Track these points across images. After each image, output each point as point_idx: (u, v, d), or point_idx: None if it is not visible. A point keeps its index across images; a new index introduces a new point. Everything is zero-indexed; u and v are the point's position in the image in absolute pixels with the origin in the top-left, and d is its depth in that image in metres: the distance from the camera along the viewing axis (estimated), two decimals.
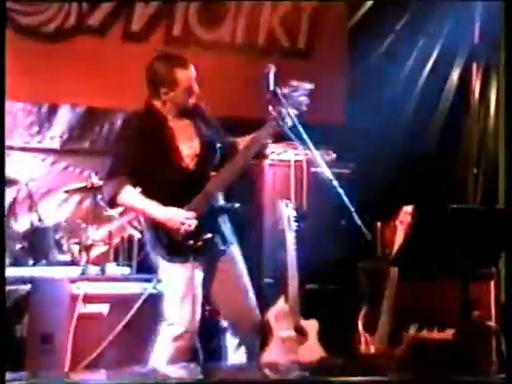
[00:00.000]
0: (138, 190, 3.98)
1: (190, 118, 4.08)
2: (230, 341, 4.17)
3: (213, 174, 4.00)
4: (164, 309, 4.09)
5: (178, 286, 3.99)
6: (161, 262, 4.04)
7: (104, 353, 4.53)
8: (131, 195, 3.97)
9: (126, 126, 4.18)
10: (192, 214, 3.89)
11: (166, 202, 3.93)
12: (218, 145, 4.08)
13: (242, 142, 4.15)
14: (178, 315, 3.98)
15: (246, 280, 4.12)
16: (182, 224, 3.87)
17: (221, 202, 4.07)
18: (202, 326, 4.47)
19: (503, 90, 4.01)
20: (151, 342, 4.11)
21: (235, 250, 4.14)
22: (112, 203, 4.03)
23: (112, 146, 4.18)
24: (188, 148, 4.03)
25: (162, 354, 4.00)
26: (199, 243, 3.93)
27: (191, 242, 3.92)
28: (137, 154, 3.98)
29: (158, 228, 3.96)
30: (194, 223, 3.88)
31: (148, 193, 3.96)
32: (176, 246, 3.94)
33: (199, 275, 4.01)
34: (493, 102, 6.26)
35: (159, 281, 4.31)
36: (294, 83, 3.95)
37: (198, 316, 4.04)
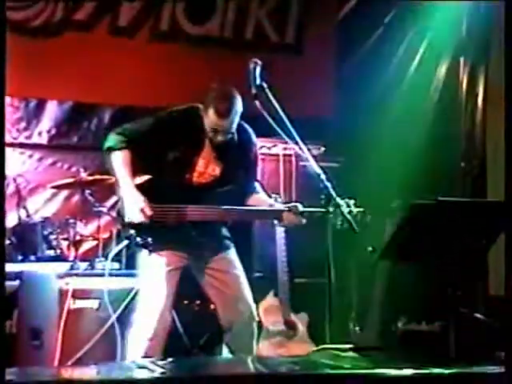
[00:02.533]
0: (129, 158, 3.93)
1: (223, 148, 4.00)
2: (227, 339, 4.16)
3: (209, 206, 3.98)
4: (139, 305, 4.08)
5: (153, 281, 3.98)
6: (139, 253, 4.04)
7: (94, 348, 4.52)
8: (122, 159, 3.92)
9: (168, 112, 4.09)
10: (149, 211, 3.84)
11: (151, 194, 3.90)
12: (239, 186, 4.05)
13: (259, 200, 4.12)
14: (150, 314, 3.95)
15: (244, 281, 4.11)
16: (141, 211, 3.84)
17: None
18: (196, 322, 4.47)
19: (504, 87, 4.05)
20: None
21: (233, 253, 4.13)
22: (107, 154, 3.96)
23: (143, 117, 4.10)
24: (204, 167, 4.01)
25: (133, 352, 3.98)
26: (140, 240, 3.90)
27: (132, 232, 3.90)
28: (158, 138, 3.94)
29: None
30: (149, 214, 3.85)
31: (141, 175, 3.95)
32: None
33: (177, 274, 3.99)
34: (480, 97, 6.28)
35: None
36: None
37: (170, 318, 4.02)
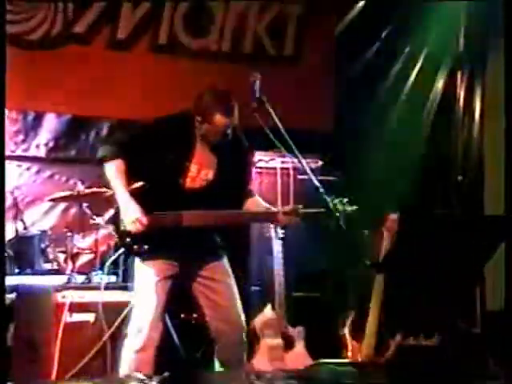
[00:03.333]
0: (122, 166, 3.94)
1: (216, 151, 4.02)
2: (217, 350, 4.15)
3: (203, 210, 3.98)
4: (131, 315, 4.08)
5: (144, 290, 3.98)
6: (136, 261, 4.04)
7: (90, 362, 4.51)
8: (115, 168, 3.93)
9: (158, 119, 4.11)
10: (146, 220, 3.87)
11: (146, 200, 3.91)
12: (232, 189, 4.04)
13: (255, 203, 4.13)
14: (140, 325, 3.95)
15: (236, 291, 4.10)
16: (136, 220, 3.85)
17: None
18: (189, 335, 4.45)
19: (503, 94, 4.05)
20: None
21: (226, 262, 4.13)
22: (100, 164, 3.99)
23: (134, 125, 4.12)
24: (196, 171, 4.02)
25: (124, 364, 3.98)
26: (136, 248, 3.91)
27: (128, 240, 3.91)
28: (149, 144, 3.95)
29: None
30: (145, 223, 3.86)
31: (135, 182, 3.95)
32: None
33: (168, 283, 3.99)
34: (478, 110, 6.30)
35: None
36: None
37: (161, 329, 4.00)
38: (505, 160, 3.79)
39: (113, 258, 4.36)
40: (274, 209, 4.12)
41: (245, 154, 4.17)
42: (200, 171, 4.01)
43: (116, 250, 5.36)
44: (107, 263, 4.40)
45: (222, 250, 4.12)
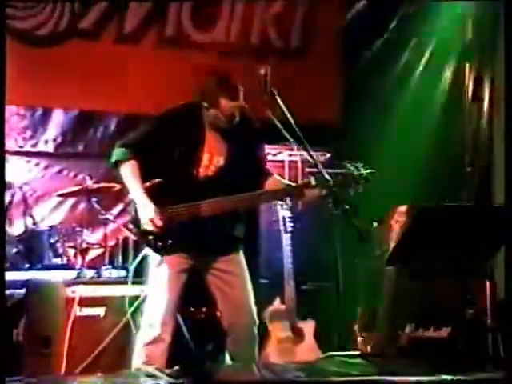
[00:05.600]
0: (137, 167, 3.95)
1: (226, 137, 4.01)
2: (228, 343, 4.15)
3: (220, 197, 3.96)
4: (144, 309, 4.07)
5: (159, 284, 3.98)
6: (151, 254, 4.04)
7: (101, 355, 4.52)
8: (130, 170, 3.94)
9: (166, 112, 4.11)
10: (160, 221, 3.86)
11: (163, 196, 3.91)
12: (246, 173, 4.01)
13: (273, 182, 4.07)
14: (153, 318, 3.94)
15: (249, 285, 4.10)
16: (151, 221, 3.86)
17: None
18: (201, 328, 4.44)
19: (503, 91, 4.03)
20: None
21: (241, 255, 4.12)
22: (115, 167, 4.00)
23: (142, 122, 4.12)
24: (208, 160, 4.01)
25: (137, 358, 3.98)
26: (160, 244, 3.91)
27: (151, 237, 3.91)
28: (160, 140, 3.96)
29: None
30: (159, 225, 3.86)
31: (150, 179, 3.96)
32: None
33: (182, 277, 3.99)
34: (486, 101, 6.27)
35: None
36: None
37: (173, 323, 3.99)
38: (505, 151, 3.77)
39: (139, 257, 4.32)
40: (292, 184, 4.04)
41: (255, 134, 4.14)
42: (212, 159, 4.00)
43: (124, 245, 5.40)
44: (133, 265, 4.38)
45: (237, 243, 4.11)
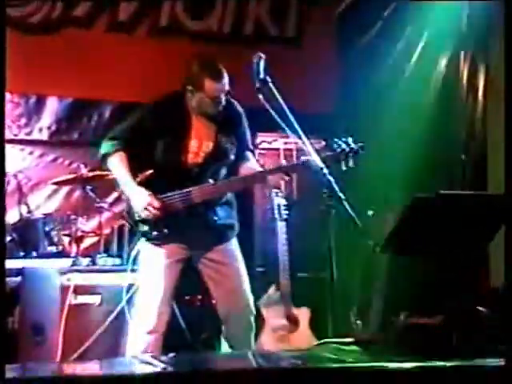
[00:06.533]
0: (125, 158, 3.98)
1: (213, 121, 4.04)
2: (224, 332, 4.16)
3: (210, 181, 3.97)
4: (139, 298, 4.08)
5: (154, 274, 3.98)
6: (140, 243, 4.04)
7: (95, 343, 4.53)
8: (118, 161, 3.98)
9: (150, 102, 4.12)
10: (157, 203, 3.87)
11: (154, 186, 3.92)
12: (232, 157, 4.06)
13: (248, 168, 4.11)
14: (149, 307, 3.96)
15: (244, 274, 4.11)
16: (149, 204, 3.86)
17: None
18: (196, 316, 4.44)
19: (503, 86, 4.05)
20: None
21: (235, 244, 4.13)
22: (103, 161, 4.04)
23: (129, 113, 4.15)
24: (197, 146, 4.02)
25: (132, 346, 3.99)
26: (156, 234, 3.92)
27: (146, 228, 3.92)
28: (147, 130, 3.98)
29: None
30: (154, 213, 3.86)
31: (141, 170, 3.96)
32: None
33: (177, 267, 3.99)
34: (481, 89, 6.27)
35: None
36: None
37: (169, 312, 4.02)
38: (505, 140, 3.78)
39: (135, 248, 4.32)
40: (259, 169, 4.08)
41: (240, 120, 4.16)
42: (201, 145, 4.02)
43: (119, 232, 5.39)
44: (131, 256, 4.39)
45: (230, 232, 4.11)
